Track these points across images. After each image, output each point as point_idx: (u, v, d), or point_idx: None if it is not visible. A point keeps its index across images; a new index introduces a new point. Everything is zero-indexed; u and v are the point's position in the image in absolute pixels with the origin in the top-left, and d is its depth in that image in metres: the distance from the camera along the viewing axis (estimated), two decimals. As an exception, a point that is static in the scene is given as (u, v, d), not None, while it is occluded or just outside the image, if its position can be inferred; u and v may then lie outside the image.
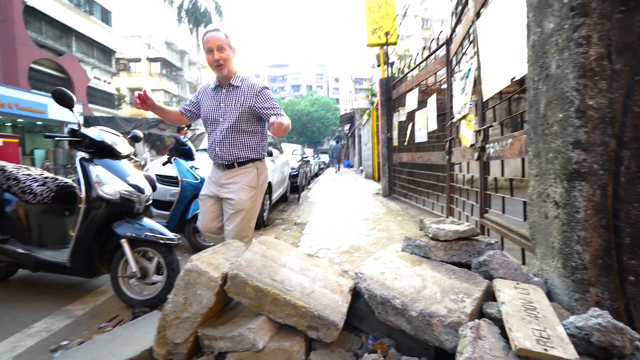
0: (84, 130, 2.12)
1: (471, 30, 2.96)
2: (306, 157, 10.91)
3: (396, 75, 6.46)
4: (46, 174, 2.42)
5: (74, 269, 2.03)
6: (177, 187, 3.22)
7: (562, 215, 1.15)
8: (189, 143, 3.47)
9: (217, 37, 1.81)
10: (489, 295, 1.25)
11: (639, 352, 0.87)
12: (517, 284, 1.18)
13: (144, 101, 1.90)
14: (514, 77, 1.96)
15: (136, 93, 1.88)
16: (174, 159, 3.27)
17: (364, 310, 1.47)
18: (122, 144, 2.28)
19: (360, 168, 16.36)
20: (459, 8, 3.54)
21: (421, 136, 4.80)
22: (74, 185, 2.41)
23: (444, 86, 4.21)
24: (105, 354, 1.46)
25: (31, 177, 2.28)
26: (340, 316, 1.30)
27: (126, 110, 29.06)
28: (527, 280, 1.24)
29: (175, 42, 35.75)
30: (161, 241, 2.00)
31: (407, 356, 1.22)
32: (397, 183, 6.30)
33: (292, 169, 8.12)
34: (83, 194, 1.96)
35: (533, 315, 1.02)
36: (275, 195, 5.44)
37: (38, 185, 2.24)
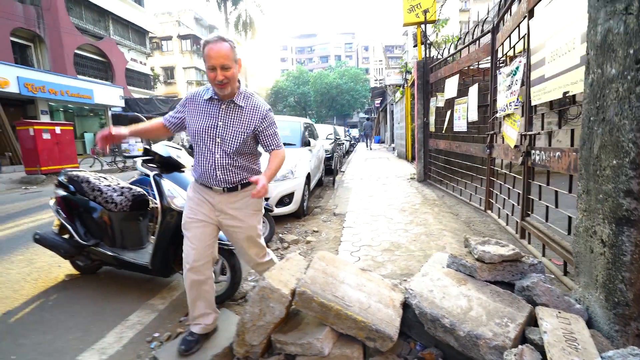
0: (154, 148, 2.37)
1: (521, 25, 2.85)
2: (338, 138, 10.98)
3: (435, 57, 6.22)
4: (122, 183, 2.75)
5: (154, 270, 2.37)
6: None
7: (607, 254, 1.24)
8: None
9: (221, 52, 1.54)
10: (532, 319, 1.38)
11: (672, 391, 0.99)
12: (559, 312, 1.30)
13: (108, 139, 1.68)
14: (567, 92, 1.94)
15: (98, 135, 1.68)
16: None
17: (413, 320, 1.65)
18: (184, 157, 2.53)
19: (392, 145, 16.15)
20: (507, -5, 3.36)
21: (460, 125, 4.73)
22: (146, 194, 2.73)
23: (487, 77, 4.08)
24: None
25: (111, 188, 2.62)
26: (394, 330, 1.50)
27: (160, 90, 30.08)
28: (569, 307, 1.35)
29: (204, 17, 35.74)
30: (224, 247, 2.27)
31: (455, 369, 1.40)
32: (432, 169, 6.28)
33: (326, 151, 8.28)
34: (159, 207, 2.25)
35: (573, 346, 1.15)
36: (313, 183, 5.67)
37: (117, 195, 2.58)
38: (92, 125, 18.36)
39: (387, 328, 1.48)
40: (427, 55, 6.47)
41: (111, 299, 2.47)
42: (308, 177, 4.84)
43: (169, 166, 2.43)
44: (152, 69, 26.43)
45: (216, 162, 1.69)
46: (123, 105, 18.13)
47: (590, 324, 1.34)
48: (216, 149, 1.69)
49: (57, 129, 10.28)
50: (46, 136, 9.91)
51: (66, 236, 2.73)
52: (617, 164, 1.19)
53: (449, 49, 5.35)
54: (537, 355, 1.18)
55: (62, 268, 3.00)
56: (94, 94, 15.77)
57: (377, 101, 26.41)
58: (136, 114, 2.70)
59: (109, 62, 19.45)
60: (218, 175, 1.70)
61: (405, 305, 1.67)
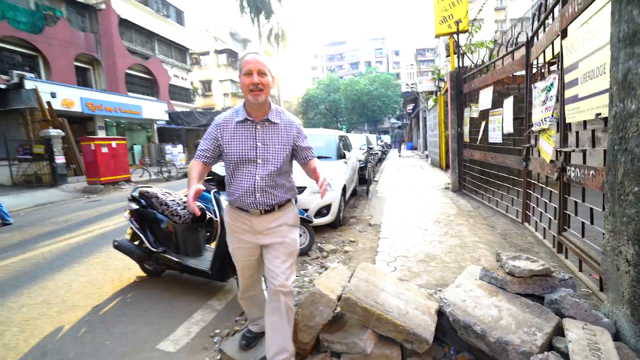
0: (213, 169, 2.73)
1: (555, 43, 2.93)
2: (371, 148, 11.13)
3: (469, 67, 6.25)
4: (184, 198, 3.15)
5: (213, 275, 2.71)
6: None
7: (632, 272, 1.35)
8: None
9: (259, 60, 1.59)
10: (559, 330, 1.51)
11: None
12: (585, 324, 1.43)
13: (198, 194, 1.58)
14: (600, 114, 2.03)
15: (192, 194, 1.54)
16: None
17: (447, 326, 1.82)
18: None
19: (426, 153, 15.98)
20: (542, 11, 3.42)
21: (495, 137, 4.76)
22: (204, 207, 3.10)
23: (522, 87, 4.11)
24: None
25: (175, 202, 3.02)
26: (430, 334, 1.68)
27: (199, 102, 31.85)
28: (596, 320, 1.47)
29: (239, 32, 37.43)
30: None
31: (487, 372, 1.56)
32: (467, 179, 6.27)
33: (360, 161, 8.48)
34: (218, 219, 2.59)
35: (597, 355, 1.28)
36: (348, 193, 5.89)
37: (181, 209, 2.97)
38: (140, 137, 19.89)
39: (423, 332, 1.67)
40: (460, 65, 6.50)
41: (176, 299, 2.84)
42: (344, 188, 5.08)
43: (224, 185, 2.77)
44: (191, 83, 28.09)
45: (256, 184, 1.65)
46: (167, 118, 19.49)
47: (618, 337, 1.45)
48: (256, 170, 1.65)
49: (114, 144, 11.37)
50: (104, 150, 11.00)
51: (136, 243, 3.17)
52: (638, 190, 1.31)
53: (482, 58, 5.38)
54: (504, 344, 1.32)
55: (132, 271, 3.45)
56: (142, 109, 17.14)
57: (410, 107, 26.17)
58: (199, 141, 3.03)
59: (154, 79, 21.05)
60: (257, 197, 1.66)
61: (440, 313, 1.85)
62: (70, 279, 3.35)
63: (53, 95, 12.56)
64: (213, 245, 3.26)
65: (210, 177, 2.75)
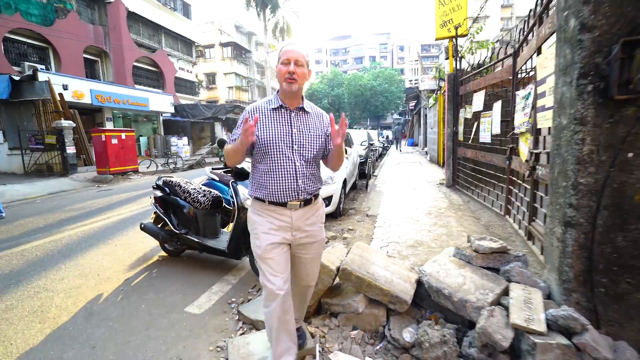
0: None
1: (533, 57, 3.31)
2: (372, 143, 11.51)
3: (465, 70, 6.62)
4: (204, 188, 3.57)
5: (229, 253, 3.14)
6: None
7: (560, 246, 1.77)
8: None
9: (297, 51, 1.60)
10: (507, 292, 1.93)
11: (587, 331, 1.52)
12: (525, 287, 1.85)
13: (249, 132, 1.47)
14: (555, 122, 2.43)
15: (248, 124, 1.44)
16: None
17: (424, 294, 2.24)
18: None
19: (425, 150, 16.34)
20: (526, 26, 3.80)
21: (485, 137, 5.15)
22: (220, 195, 3.53)
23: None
24: (265, 307, 2.49)
25: (196, 191, 3.45)
26: (409, 297, 2.11)
27: (203, 95, 32.15)
28: (535, 284, 1.89)
29: (244, 25, 37.50)
30: None
31: (450, 324, 1.99)
32: (460, 176, 6.67)
33: (360, 156, 8.87)
34: (236, 206, 3.01)
35: (528, 307, 1.70)
36: (348, 187, 6.31)
37: (201, 197, 3.40)
38: (145, 129, 20.30)
39: (404, 296, 2.09)
40: (458, 68, 6.86)
41: (196, 274, 3.28)
42: (344, 182, 5.49)
43: (241, 175, 3.19)
44: (196, 76, 28.39)
45: (297, 170, 1.61)
46: (173, 111, 19.88)
47: (550, 297, 1.87)
48: (294, 156, 1.62)
49: (123, 135, 11.80)
50: (114, 141, 11.43)
51: (160, 225, 3.60)
52: (565, 185, 1.72)
53: (482, 60, 5.75)
54: (504, 312, 1.74)
55: (154, 251, 3.90)
56: (149, 101, 17.52)
57: (412, 104, 26.47)
58: (222, 138, 3.44)
59: (160, 72, 21.40)
60: (299, 184, 1.62)
61: (419, 283, 2.27)
62: (99, 257, 3.79)
63: (65, 87, 12.94)
64: (227, 229, 3.71)
65: (229, 170, 3.17)
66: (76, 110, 12.75)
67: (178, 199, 3.46)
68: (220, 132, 23.73)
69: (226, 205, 3.65)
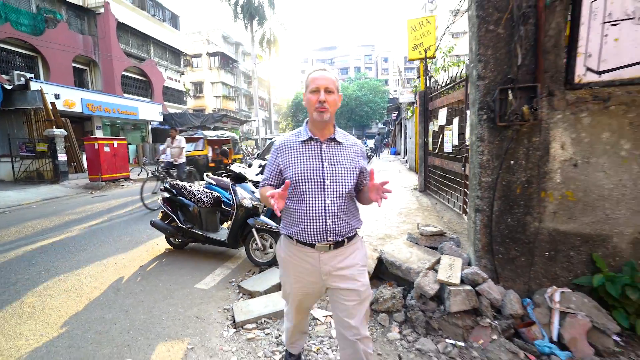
0: (232, 167, 3.80)
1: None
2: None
3: (433, 88, 7.50)
4: (206, 190, 4.19)
5: (229, 244, 3.77)
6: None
7: (473, 226, 2.51)
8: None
9: (327, 77, 1.50)
10: (439, 262, 2.65)
11: (485, 282, 2.25)
12: (451, 257, 2.57)
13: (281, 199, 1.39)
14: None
15: (273, 203, 1.34)
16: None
17: (384, 269, 2.94)
18: (248, 172, 3.94)
19: (405, 158, 17.29)
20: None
21: (448, 147, 5.97)
22: (220, 196, 4.16)
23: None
24: (260, 282, 3.13)
25: (199, 192, 4.07)
26: (372, 269, 2.80)
27: (190, 103, 32.50)
28: (460, 256, 2.62)
29: (231, 35, 38.21)
30: (273, 229, 3.64)
31: (400, 287, 2.69)
32: (430, 181, 7.49)
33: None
34: (235, 204, 3.65)
35: (451, 269, 2.42)
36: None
37: (204, 197, 4.02)
38: (133, 137, 20.56)
39: (367, 268, 2.78)
40: (428, 86, 7.74)
41: (200, 262, 3.88)
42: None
43: (239, 179, 3.85)
44: (183, 85, 28.79)
45: (326, 208, 1.49)
46: (161, 120, 20.25)
47: (470, 263, 2.60)
48: (325, 194, 1.49)
49: (115, 143, 12.19)
50: (107, 149, 11.81)
51: (167, 222, 4.20)
52: (474, 183, 2.47)
53: (450, 77, 6.62)
54: (434, 274, 2.45)
55: (160, 245, 4.47)
56: (139, 110, 17.90)
57: (394, 114, 27.70)
58: (225, 148, 4.21)
59: (149, 81, 21.78)
60: (328, 224, 1.49)
61: (380, 261, 2.97)
62: (112, 250, 4.34)
63: (57, 96, 13.25)
64: (224, 226, 4.33)
65: (228, 174, 3.81)
66: (68, 119, 13.06)
67: (184, 199, 4.07)
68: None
69: (223, 206, 4.28)
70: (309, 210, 1.50)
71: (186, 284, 3.30)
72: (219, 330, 2.47)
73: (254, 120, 29.47)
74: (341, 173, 1.53)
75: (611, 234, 2.24)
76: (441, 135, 6.43)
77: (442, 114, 6.28)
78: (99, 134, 16.29)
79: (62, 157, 11.97)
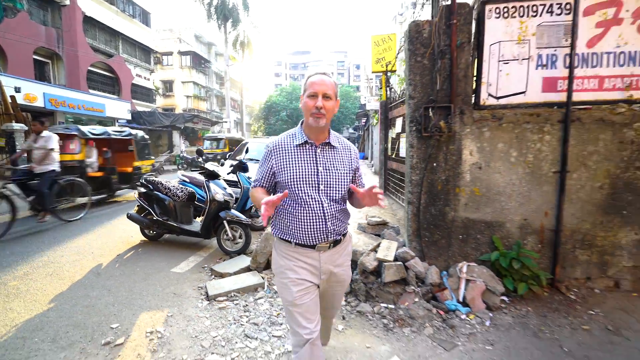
0: (206, 165, 4.20)
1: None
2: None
3: (393, 98, 8.25)
4: (180, 185, 4.55)
5: (202, 234, 4.16)
6: (238, 187, 5.29)
7: (406, 216, 3.12)
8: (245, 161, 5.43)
9: (326, 82, 1.50)
10: (380, 245, 3.24)
11: (413, 259, 2.85)
12: (390, 241, 3.17)
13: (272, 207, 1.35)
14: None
15: (263, 210, 1.31)
16: (238, 173, 5.26)
17: (338, 253, 3.49)
18: (220, 170, 4.36)
19: (372, 162, 18.19)
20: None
21: (403, 152, 6.69)
22: (194, 191, 4.54)
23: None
24: (230, 266, 3.57)
25: (175, 187, 4.43)
26: (326, 252, 3.34)
27: (159, 102, 31.74)
28: (397, 240, 3.22)
29: (204, 35, 37.77)
30: (243, 222, 4.08)
31: (349, 266, 3.25)
32: (389, 183, 8.22)
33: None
34: (208, 199, 4.06)
35: (388, 250, 3.01)
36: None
37: (179, 192, 4.39)
38: (99, 134, 19.92)
39: (322, 251, 3.32)
40: (389, 97, 8.49)
41: (175, 251, 4.24)
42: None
43: (212, 176, 4.26)
44: (153, 83, 28.15)
45: (325, 212, 1.51)
46: (129, 118, 19.82)
47: (405, 245, 3.21)
48: (321, 197, 1.51)
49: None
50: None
51: (142, 215, 4.51)
52: (407, 180, 3.09)
53: (400, 94, 7.36)
54: (374, 254, 3.03)
55: (134, 238, 4.76)
56: (106, 107, 17.47)
57: (363, 120, 28.71)
58: (200, 148, 4.50)
59: (117, 78, 21.20)
60: (328, 226, 1.52)
61: (335, 246, 3.51)
62: (88, 242, 4.58)
63: (17, 89, 12.78)
64: (197, 219, 4.71)
65: (202, 171, 4.22)
66: (29, 113, 12.60)
67: (159, 193, 4.41)
68: (178, 141, 23.83)
69: (196, 202, 4.66)
70: (308, 214, 1.50)
71: (162, 268, 3.66)
72: (194, 303, 2.89)
73: (226, 122, 29.40)
74: (335, 178, 1.55)
75: (505, 220, 2.93)
76: (398, 142, 7.15)
77: (399, 122, 7.00)
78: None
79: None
